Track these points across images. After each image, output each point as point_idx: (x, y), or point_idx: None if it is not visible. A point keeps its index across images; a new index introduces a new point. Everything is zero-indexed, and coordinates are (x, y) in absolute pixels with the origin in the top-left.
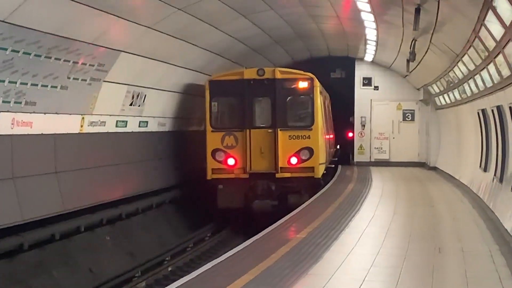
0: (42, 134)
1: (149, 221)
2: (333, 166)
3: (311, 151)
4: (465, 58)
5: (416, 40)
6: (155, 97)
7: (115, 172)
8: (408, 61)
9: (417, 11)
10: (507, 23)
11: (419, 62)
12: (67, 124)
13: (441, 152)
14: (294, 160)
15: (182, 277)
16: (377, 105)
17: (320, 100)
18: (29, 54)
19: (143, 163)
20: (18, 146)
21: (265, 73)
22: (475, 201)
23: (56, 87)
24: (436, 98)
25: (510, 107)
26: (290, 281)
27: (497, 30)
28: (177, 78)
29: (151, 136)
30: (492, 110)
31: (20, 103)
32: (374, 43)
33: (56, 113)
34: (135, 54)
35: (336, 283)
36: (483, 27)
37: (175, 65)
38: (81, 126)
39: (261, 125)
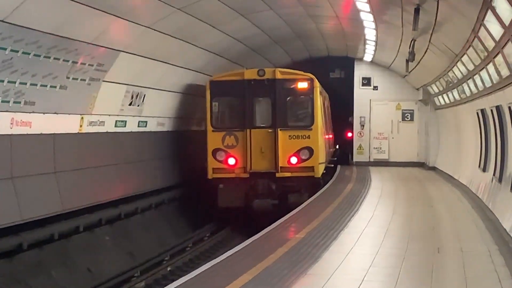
0: (41, 134)
1: (148, 221)
2: (332, 166)
3: (311, 150)
4: (464, 58)
5: (415, 40)
6: (154, 97)
7: (114, 172)
8: (407, 61)
9: (416, 11)
10: (506, 23)
11: (419, 62)
12: (66, 124)
13: (440, 152)
14: (294, 160)
15: (181, 277)
16: (376, 105)
17: (320, 100)
18: (28, 53)
19: (143, 163)
20: (17, 146)
21: (266, 73)
22: (474, 201)
23: (55, 87)
24: (436, 98)
25: (509, 107)
26: (289, 281)
27: (496, 30)
28: (177, 78)
29: (150, 136)
30: (491, 110)
31: (19, 103)
32: (373, 43)
33: (55, 113)
34: (134, 54)
35: (335, 283)
36: (482, 27)
37: (175, 65)
38: (80, 126)
39: (262, 125)
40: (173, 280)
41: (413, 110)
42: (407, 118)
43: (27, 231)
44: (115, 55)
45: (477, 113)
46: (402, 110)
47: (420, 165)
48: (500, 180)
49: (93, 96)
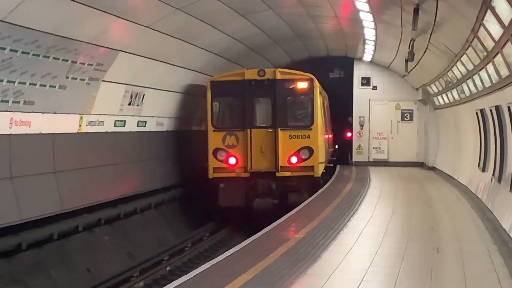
0: (40, 133)
1: (147, 220)
2: (331, 165)
3: (310, 150)
4: (464, 58)
5: (414, 40)
6: (154, 97)
7: (113, 171)
8: (406, 61)
9: (416, 11)
10: (506, 23)
11: (418, 62)
12: (65, 123)
13: (439, 152)
14: (294, 159)
15: (180, 276)
16: (375, 105)
17: (319, 100)
18: (28, 53)
19: (142, 163)
20: (16, 145)
21: (266, 73)
22: (474, 201)
23: (54, 86)
24: (435, 98)
25: (508, 107)
26: (289, 281)
27: (496, 30)
28: (176, 78)
29: (149, 135)
30: (491, 110)
31: (19, 102)
32: (373, 43)
33: (55, 113)
34: (133, 54)
35: (335, 283)
36: (481, 27)
37: (174, 65)
38: (80, 125)
39: (262, 125)
40: (172, 280)
41: (412, 110)
42: (407, 118)
43: (26, 231)
44: (114, 54)
45: (477, 113)
46: (402, 110)
47: (420, 165)
48: (499, 180)
49: (92, 96)
